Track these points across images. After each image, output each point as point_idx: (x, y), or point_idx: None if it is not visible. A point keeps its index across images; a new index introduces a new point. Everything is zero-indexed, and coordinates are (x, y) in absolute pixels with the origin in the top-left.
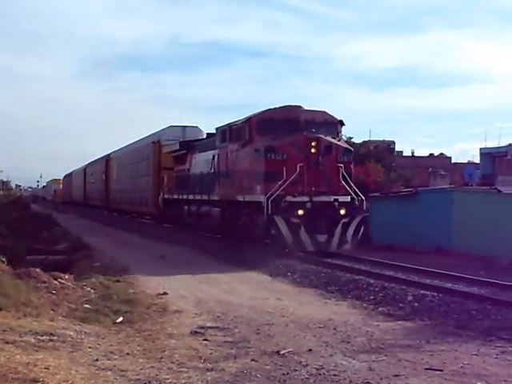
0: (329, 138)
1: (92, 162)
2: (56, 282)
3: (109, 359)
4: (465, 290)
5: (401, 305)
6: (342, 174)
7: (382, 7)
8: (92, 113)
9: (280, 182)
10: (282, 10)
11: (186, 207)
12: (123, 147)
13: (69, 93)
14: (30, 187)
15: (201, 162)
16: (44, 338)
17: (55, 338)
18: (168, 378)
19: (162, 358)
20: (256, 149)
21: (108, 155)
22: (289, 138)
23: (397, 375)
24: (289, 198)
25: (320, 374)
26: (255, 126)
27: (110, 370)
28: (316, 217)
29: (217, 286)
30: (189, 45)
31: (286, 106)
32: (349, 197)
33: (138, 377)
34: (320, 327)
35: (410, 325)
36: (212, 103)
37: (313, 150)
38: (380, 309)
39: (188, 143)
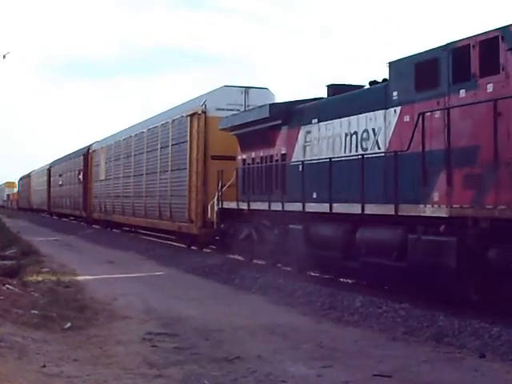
0: None
1: (60, 159)
2: (4, 287)
3: (56, 365)
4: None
5: (349, 311)
6: None
7: None
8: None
9: None
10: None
11: (292, 227)
12: (119, 132)
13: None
14: None
15: (331, 138)
16: None
17: (2, 344)
18: None
19: (109, 364)
20: None
21: (88, 147)
22: None
23: (346, 382)
24: None
25: (268, 381)
26: None
27: (58, 376)
28: None
29: (166, 292)
30: (140, 49)
31: None
32: None
33: (85, 383)
34: (269, 334)
35: (359, 331)
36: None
37: None
38: (329, 315)
39: (287, 107)
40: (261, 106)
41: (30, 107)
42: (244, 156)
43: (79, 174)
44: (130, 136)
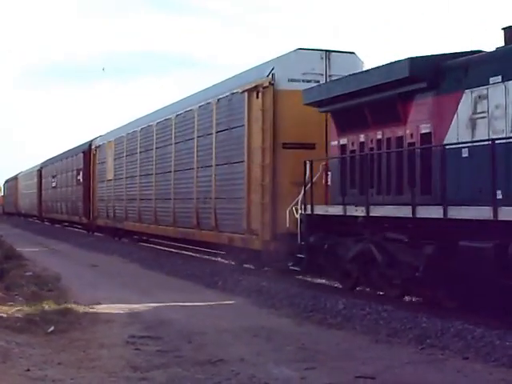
0: None
1: (53, 158)
2: None
3: (40, 369)
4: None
5: (332, 313)
6: None
7: None
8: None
9: None
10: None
11: (468, 245)
12: (131, 123)
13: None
14: None
15: None
16: None
17: None
18: None
19: (93, 367)
20: None
21: (89, 143)
22: None
23: None
24: None
25: (252, 383)
26: None
27: (42, 380)
28: None
29: (149, 296)
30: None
31: None
32: None
33: None
34: (253, 336)
35: (342, 333)
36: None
37: None
38: (312, 317)
39: (437, 63)
40: (390, 64)
41: (11, 111)
42: (343, 141)
43: (78, 174)
44: (150, 125)
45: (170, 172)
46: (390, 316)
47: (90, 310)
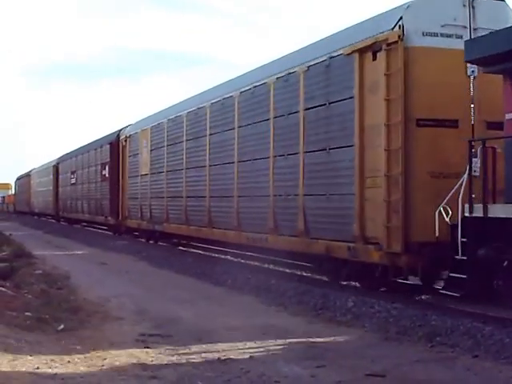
0: None
1: (72, 152)
2: None
3: (50, 367)
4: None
5: (342, 311)
6: None
7: None
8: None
9: None
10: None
11: None
12: (171, 107)
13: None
14: None
15: None
16: None
17: None
18: None
19: (103, 365)
20: None
21: (118, 133)
22: None
23: (339, 381)
24: None
25: (262, 381)
26: None
27: (51, 378)
28: None
29: (159, 293)
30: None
31: None
32: None
33: None
34: (262, 334)
35: (351, 331)
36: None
37: None
38: (321, 315)
39: None
40: None
41: (17, 110)
42: None
43: (103, 168)
44: (201, 107)
45: (232, 163)
46: (400, 314)
47: (100, 307)
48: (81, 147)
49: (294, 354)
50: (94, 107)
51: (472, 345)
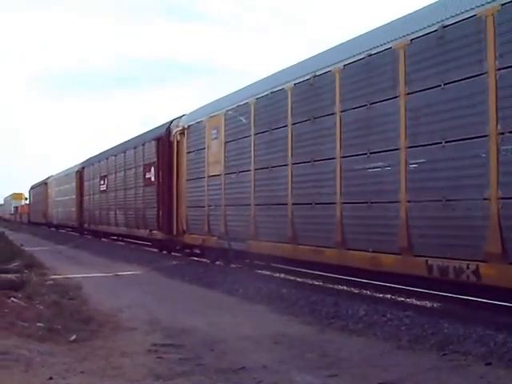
0: None
1: (101, 154)
2: (9, 300)
3: (63, 378)
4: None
5: (354, 320)
6: None
7: None
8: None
9: None
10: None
11: None
12: (270, 76)
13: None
14: None
15: None
16: None
17: (8, 356)
18: None
19: (115, 376)
20: None
21: (168, 125)
22: None
23: None
24: None
25: None
26: None
27: None
28: None
29: (171, 304)
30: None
31: None
32: None
33: None
34: (274, 343)
35: (363, 340)
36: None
37: None
38: (333, 324)
39: None
40: None
41: (27, 120)
42: None
43: (147, 170)
44: (322, 73)
45: (389, 152)
46: (412, 322)
47: (112, 317)
48: (113, 147)
49: (306, 363)
50: (106, 116)
51: (485, 352)
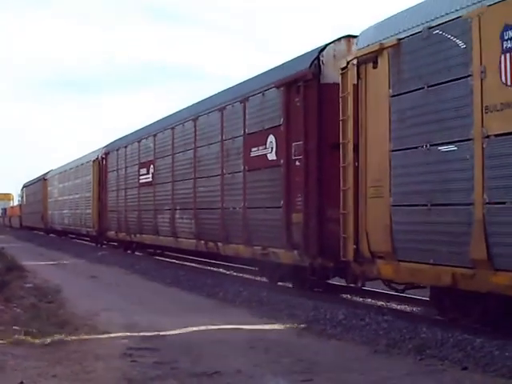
0: None
1: (138, 131)
2: None
3: (34, 382)
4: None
5: (332, 324)
6: None
7: None
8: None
9: None
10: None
11: None
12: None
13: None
14: None
15: None
16: None
17: None
18: None
19: (88, 380)
20: None
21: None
22: None
23: None
24: None
25: None
26: None
27: None
28: None
29: (147, 306)
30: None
31: None
32: None
33: None
34: (250, 347)
35: (341, 344)
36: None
37: None
38: (311, 328)
39: None
40: None
41: (16, 119)
42: None
43: (264, 140)
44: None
45: None
46: (390, 326)
47: (88, 321)
48: (165, 117)
49: (281, 367)
50: (94, 119)
51: (462, 357)
